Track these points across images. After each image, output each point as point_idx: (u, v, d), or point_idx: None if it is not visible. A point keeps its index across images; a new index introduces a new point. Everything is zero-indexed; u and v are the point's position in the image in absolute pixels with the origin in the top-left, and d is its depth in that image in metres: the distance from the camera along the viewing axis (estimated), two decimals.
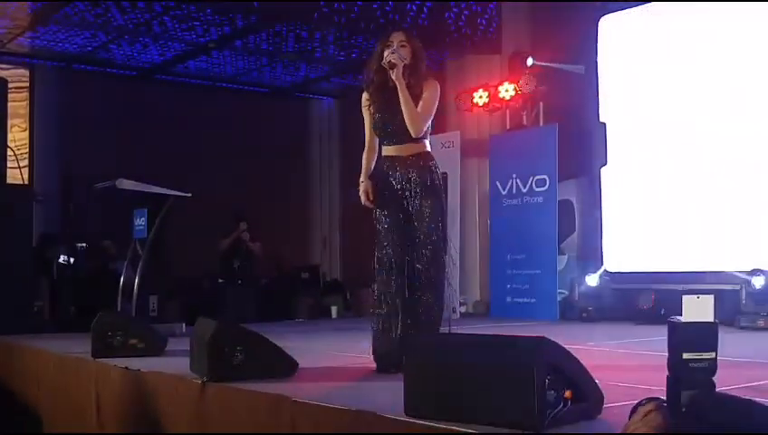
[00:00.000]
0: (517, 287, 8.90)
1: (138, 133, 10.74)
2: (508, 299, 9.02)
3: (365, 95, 4.41)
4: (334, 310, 10.16)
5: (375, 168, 4.40)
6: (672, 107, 7.92)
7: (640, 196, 8.14)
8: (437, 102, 4.33)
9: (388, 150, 4.35)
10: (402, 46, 4.25)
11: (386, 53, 4.21)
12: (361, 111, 4.44)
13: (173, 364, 4.40)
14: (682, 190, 7.76)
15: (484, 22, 10.18)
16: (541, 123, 9.23)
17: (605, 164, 8.47)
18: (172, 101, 11.18)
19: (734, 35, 7.47)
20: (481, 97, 9.54)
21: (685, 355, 3.25)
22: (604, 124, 8.48)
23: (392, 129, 4.27)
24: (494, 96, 9.44)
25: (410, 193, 4.25)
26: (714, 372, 3.28)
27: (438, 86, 4.37)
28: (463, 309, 9.39)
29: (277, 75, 11.86)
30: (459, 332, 4.21)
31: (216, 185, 10.78)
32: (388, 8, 9.71)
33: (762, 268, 6.79)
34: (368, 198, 4.33)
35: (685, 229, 7.72)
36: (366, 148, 4.43)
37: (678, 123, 7.85)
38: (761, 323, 6.61)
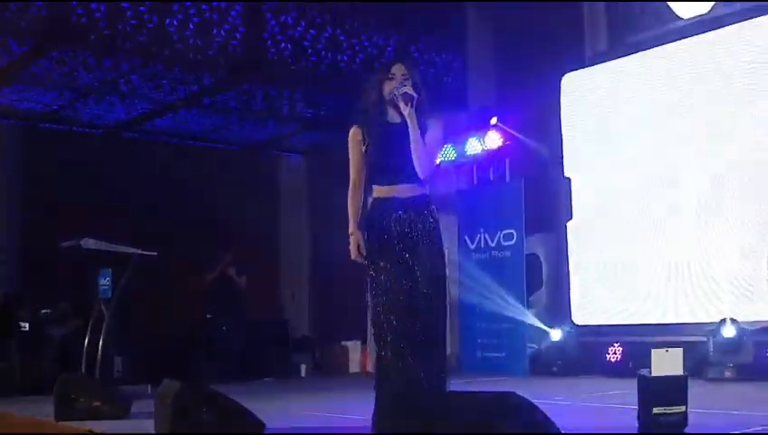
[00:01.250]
0: (487, 342, 8.88)
1: (104, 192, 10.66)
2: (478, 354, 8.98)
3: (357, 131, 3.98)
4: (303, 368, 10.04)
5: (369, 211, 3.98)
6: (634, 160, 8.05)
7: (606, 249, 8.21)
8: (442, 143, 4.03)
9: (384, 191, 3.95)
10: (405, 79, 3.91)
11: (394, 85, 3.88)
12: (348, 148, 4.01)
13: (137, 427, 4.33)
14: (648, 243, 7.85)
15: (449, 79, 10.32)
16: (507, 178, 9.32)
17: (570, 218, 8.56)
18: (139, 159, 11.13)
19: (691, 88, 7.65)
20: (448, 152, 9.62)
21: (655, 410, 3.24)
22: (569, 179, 8.59)
23: (393, 168, 3.90)
24: (461, 151, 9.54)
25: (411, 238, 3.86)
26: (684, 426, 3.27)
27: (441, 125, 4.02)
28: None
29: (246, 132, 11.88)
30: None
31: (185, 243, 10.69)
32: (354, 66, 9.82)
33: (733, 318, 6.84)
34: (358, 253, 3.88)
35: (651, 282, 7.79)
36: (351, 189, 4.00)
37: (641, 177, 7.98)
38: (728, 374, 6.64)
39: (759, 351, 6.68)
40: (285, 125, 11.73)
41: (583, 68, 8.64)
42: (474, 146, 9.37)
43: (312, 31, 9.47)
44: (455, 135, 9.92)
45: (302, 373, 9.95)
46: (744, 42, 7.36)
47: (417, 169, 3.87)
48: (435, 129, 3.97)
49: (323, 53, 9.59)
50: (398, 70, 3.95)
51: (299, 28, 9.41)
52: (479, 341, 8.97)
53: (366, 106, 4.00)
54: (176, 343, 10.43)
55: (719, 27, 7.54)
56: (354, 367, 10.19)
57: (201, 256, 10.38)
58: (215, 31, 8.84)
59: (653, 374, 3.32)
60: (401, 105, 3.86)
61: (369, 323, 3.92)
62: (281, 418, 4.66)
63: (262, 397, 6.04)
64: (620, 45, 8.60)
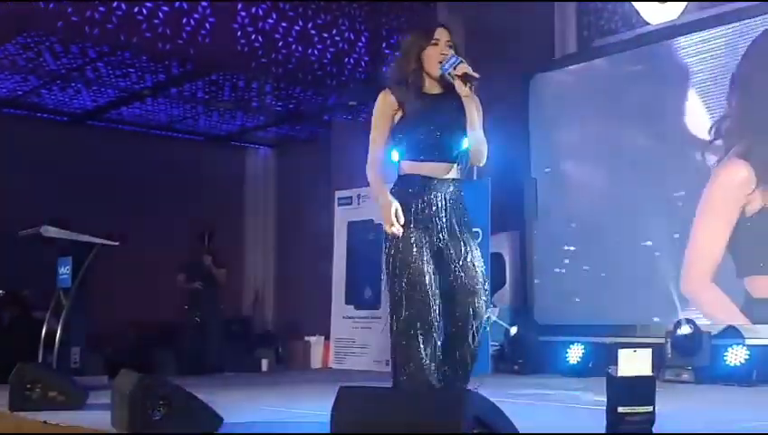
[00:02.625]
0: None
1: (68, 180, 10.54)
2: None
3: (390, 97, 3.57)
4: (265, 363, 9.98)
5: (395, 187, 3.58)
6: (600, 162, 8.11)
7: (569, 249, 8.26)
8: None
9: (417, 168, 3.54)
10: (449, 47, 3.55)
11: (440, 53, 3.50)
12: (374, 115, 3.60)
13: (93, 418, 4.27)
14: (611, 243, 7.92)
15: None
16: (474, 177, 9.33)
17: (536, 218, 8.61)
18: (104, 148, 11.02)
19: (659, 93, 7.73)
20: None
21: (620, 409, 3.28)
22: (535, 179, 8.64)
23: (432, 145, 3.52)
24: None
25: (448, 223, 3.51)
26: (651, 426, 3.30)
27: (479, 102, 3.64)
28: None
29: (213, 123, 11.81)
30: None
31: (148, 234, 10.60)
32: (325, 60, 9.80)
33: (689, 319, 6.91)
34: (396, 221, 3.40)
35: (613, 282, 7.86)
36: (370, 163, 3.57)
37: (606, 178, 8.04)
38: (685, 376, 6.70)
39: (716, 353, 6.75)
40: (254, 117, 11.68)
41: (552, 70, 8.68)
42: None
43: (283, 24, 9.44)
44: None
45: (264, 368, 9.90)
46: (712, 48, 7.44)
47: (478, 156, 3.56)
48: (479, 106, 3.62)
49: (294, 46, 9.57)
50: (442, 36, 3.56)
51: (270, 20, 9.38)
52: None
53: (404, 74, 3.57)
54: (139, 334, 10.34)
55: (688, 33, 7.62)
56: (316, 362, 10.17)
57: (168, 250, 10.28)
58: (184, 20, 8.79)
59: (619, 374, 3.34)
60: (457, 83, 3.48)
61: (390, 311, 3.51)
62: (239, 411, 4.63)
63: (221, 391, 5.99)
64: (589, 48, 8.66)
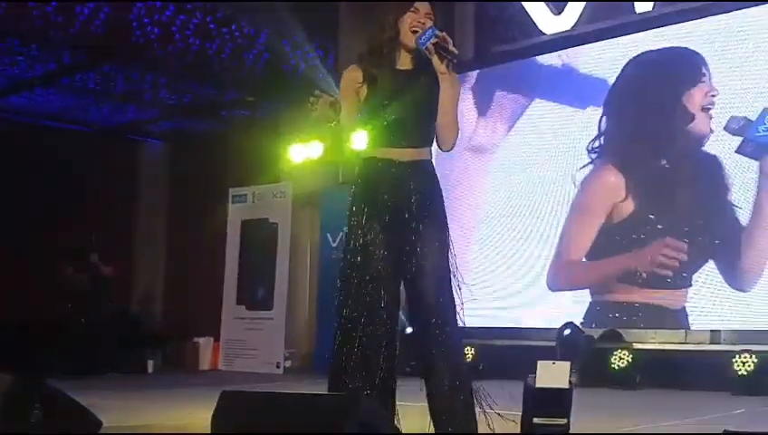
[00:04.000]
0: None
1: None
2: None
3: (355, 73, 3.29)
4: (150, 364, 9.71)
5: (362, 173, 3.32)
6: (500, 167, 8.25)
7: (467, 250, 8.37)
8: None
9: (382, 152, 3.24)
10: (429, 19, 3.24)
11: (416, 19, 3.22)
12: (340, 93, 3.35)
13: None
14: (508, 247, 8.06)
15: (320, 75, 10.28)
16: None
17: None
18: None
19: (553, 104, 7.91)
20: (316, 149, 9.53)
21: (536, 420, 3.31)
22: None
23: (397, 128, 3.22)
24: (329, 149, 9.45)
25: (411, 211, 3.20)
26: None
27: (457, 81, 3.32)
28: (288, 364, 9.24)
29: (104, 115, 11.47)
30: (279, 389, 4.11)
31: (35, 227, 10.21)
32: (224, 55, 9.64)
33: (571, 322, 7.08)
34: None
35: (508, 285, 8.00)
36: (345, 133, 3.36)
37: (506, 182, 8.18)
38: (573, 379, 6.84)
39: (601, 357, 6.92)
40: (147, 110, 11.41)
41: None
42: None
43: (181, 16, 9.21)
44: (326, 131, 9.87)
45: (150, 369, 9.63)
46: (602, 60, 7.66)
47: (445, 141, 3.28)
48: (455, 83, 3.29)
49: (192, 39, 9.37)
50: (421, 6, 3.26)
51: (167, 12, 9.14)
52: None
53: (377, 43, 3.30)
54: (19, 332, 9.92)
55: (581, 44, 7.82)
56: (205, 364, 9.98)
57: (54, 245, 9.90)
58: (78, 9, 8.48)
59: (537, 385, 3.37)
60: (434, 59, 3.16)
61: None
62: (119, 414, 4.49)
63: (104, 393, 5.81)
64: (487, 54, 8.77)
